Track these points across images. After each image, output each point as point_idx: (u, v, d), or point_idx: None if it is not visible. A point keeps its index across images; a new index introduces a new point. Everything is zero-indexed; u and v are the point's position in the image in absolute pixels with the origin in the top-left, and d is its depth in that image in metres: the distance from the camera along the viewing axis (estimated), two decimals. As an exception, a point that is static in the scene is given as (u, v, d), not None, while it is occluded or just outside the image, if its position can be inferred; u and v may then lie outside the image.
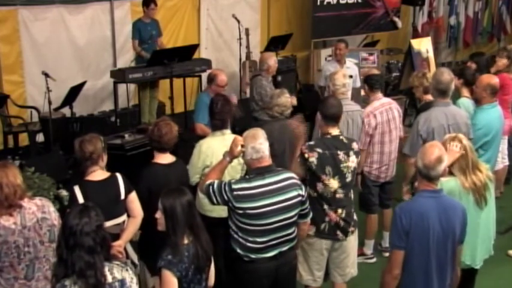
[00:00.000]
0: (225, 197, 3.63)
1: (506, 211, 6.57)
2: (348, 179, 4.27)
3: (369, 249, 5.65)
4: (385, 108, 5.44)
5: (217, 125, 4.60)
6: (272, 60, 6.85)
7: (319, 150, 4.20)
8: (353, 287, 4.81)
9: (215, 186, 3.68)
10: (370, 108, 5.41)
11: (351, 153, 4.27)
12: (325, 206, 4.25)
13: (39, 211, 3.57)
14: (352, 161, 4.27)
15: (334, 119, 4.34)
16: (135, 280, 2.98)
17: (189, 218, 3.20)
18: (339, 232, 4.32)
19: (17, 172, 3.59)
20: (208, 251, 3.28)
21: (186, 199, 3.23)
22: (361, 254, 5.69)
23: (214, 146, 4.47)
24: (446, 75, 4.97)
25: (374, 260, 5.64)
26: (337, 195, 4.25)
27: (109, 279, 2.84)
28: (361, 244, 5.72)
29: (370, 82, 5.49)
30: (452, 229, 3.42)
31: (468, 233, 3.69)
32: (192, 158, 4.55)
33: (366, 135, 5.34)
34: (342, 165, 4.23)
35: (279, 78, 7.47)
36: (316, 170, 4.18)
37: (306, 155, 4.20)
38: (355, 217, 4.43)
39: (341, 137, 4.33)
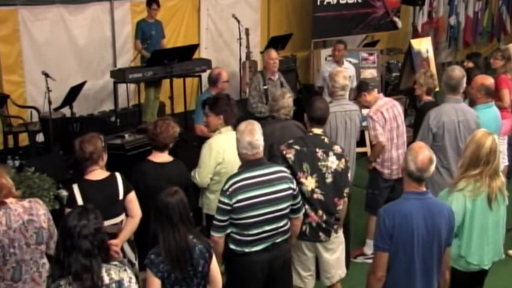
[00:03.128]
0: (222, 207, 3.67)
1: (507, 211, 6.56)
2: (328, 180, 4.22)
3: (369, 250, 5.63)
4: (390, 105, 5.50)
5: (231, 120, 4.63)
6: (266, 56, 6.86)
7: (297, 147, 4.22)
8: (353, 286, 4.81)
9: (215, 215, 3.74)
10: (376, 106, 5.46)
11: (331, 153, 4.24)
12: (307, 207, 4.20)
13: (25, 213, 3.55)
14: (332, 162, 4.23)
15: (319, 121, 4.36)
16: (134, 280, 2.97)
17: (178, 219, 3.19)
18: (321, 233, 4.29)
19: (2, 171, 3.59)
20: (199, 253, 3.25)
21: (177, 199, 3.22)
22: (361, 254, 5.70)
23: (224, 142, 4.47)
24: (458, 71, 5.06)
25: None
26: (315, 196, 4.21)
27: (106, 280, 2.83)
28: (361, 244, 5.74)
29: (363, 86, 5.60)
30: (438, 231, 3.38)
31: (478, 233, 3.73)
32: (202, 158, 4.51)
33: (380, 127, 5.34)
34: (319, 164, 4.21)
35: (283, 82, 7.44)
36: (293, 166, 4.16)
37: (284, 152, 4.21)
38: (338, 217, 4.37)
39: (323, 137, 4.32)
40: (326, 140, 4.33)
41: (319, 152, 4.22)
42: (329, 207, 4.27)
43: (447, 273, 3.65)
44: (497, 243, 4.00)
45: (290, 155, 4.19)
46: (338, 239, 4.43)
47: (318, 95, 7.80)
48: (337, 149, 4.31)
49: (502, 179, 3.93)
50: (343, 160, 4.29)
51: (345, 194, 4.34)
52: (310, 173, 4.19)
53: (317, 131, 4.34)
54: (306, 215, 4.21)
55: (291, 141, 4.33)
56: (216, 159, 4.45)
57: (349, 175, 4.40)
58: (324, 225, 4.27)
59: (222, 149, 4.45)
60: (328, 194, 4.24)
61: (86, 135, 3.97)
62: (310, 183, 4.19)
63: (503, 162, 6.83)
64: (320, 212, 4.24)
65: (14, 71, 7.69)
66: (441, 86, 5.22)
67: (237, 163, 4.28)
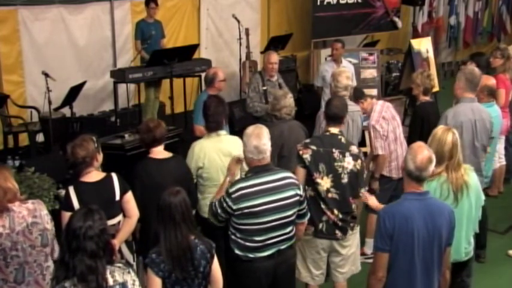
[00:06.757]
0: (224, 205, 3.64)
1: (507, 211, 6.58)
2: (344, 180, 4.23)
3: (369, 249, 5.63)
4: (385, 107, 5.52)
5: (211, 127, 4.57)
6: (266, 58, 6.83)
7: (313, 147, 4.22)
8: (354, 287, 4.81)
9: (217, 202, 3.71)
10: (376, 114, 5.45)
11: (347, 154, 4.24)
12: (323, 205, 4.23)
13: (29, 215, 3.54)
14: (349, 162, 4.23)
15: (336, 119, 4.34)
16: (137, 282, 2.97)
17: (180, 218, 3.19)
18: (337, 231, 4.31)
19: (8, 175, 3.55)
20: (200, 254, 3.25)
21: (179, 199, 3.22)
22: (361, 253, 5.68)
23: (207, 147, 4.49)
24: (478, 70, 5.15)
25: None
26: (330, 195, 4.22)
27: (110, 282, 2.82)
28: (361, 243, 5.74)
29: (359, 94, 5.56)
30: (439, 232, 3.39)
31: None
32: (186, 159, 4.56)
33: (382, 139, 5.35)
34: (336, 164, 4.21)
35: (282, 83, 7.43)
36: (310, 167, 4.17)
37: (301, 152, 4.21)
38: (355, 215, 4.39)
39: (340, 137, 4.31)
40: (343, 140, 4.31)
41: (336, 153, 4.22)
42: (344, 206, 4.28)
43: (447, 273, 3.65)
44: (456, 242, 3.82)
45: (307, 156, 4.18)
46: (353, 235, 4.45)
47: (317, 95, 7.85)
48: (354, 149, 4.30)
49: (468, 170, 3.92)
50: (359, 161, 4.29)
51: (360, 194, 4.34)
52: (326, 173, 4.19)
53: (334, 130, 4.32)
54: (322, 213, 4.24)
55: (307, 140, 4.33)
56: (197, 163, 4.47)
57: (365, 175, 4.39)
58: (340, 223, 4.28)
59: (203, 154, 4.45)
60: (343, 194, 4.25)
61: (78, 138, 3.95)
62: (325, 183, 4.20)
63: (499, 161, 6.87)
64: (336, 211, 4.25)
65: (14, 71, 7.70)
66: (457, 84, 5.16)
67: (221, 169, 4.26)
